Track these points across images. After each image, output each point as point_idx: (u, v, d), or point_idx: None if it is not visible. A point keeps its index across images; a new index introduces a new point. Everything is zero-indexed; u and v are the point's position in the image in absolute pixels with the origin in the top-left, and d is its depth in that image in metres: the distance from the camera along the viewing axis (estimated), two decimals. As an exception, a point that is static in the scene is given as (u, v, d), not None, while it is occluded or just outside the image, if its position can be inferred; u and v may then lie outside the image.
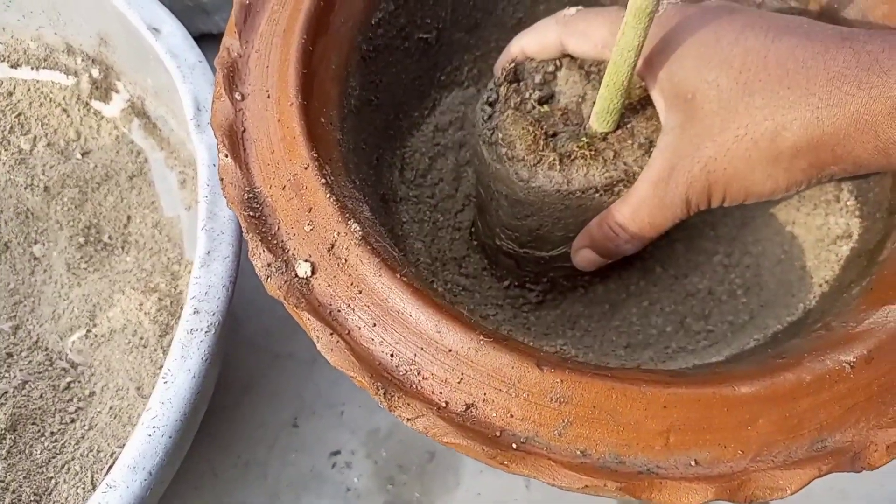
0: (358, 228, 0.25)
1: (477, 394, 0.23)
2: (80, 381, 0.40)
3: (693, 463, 0.22)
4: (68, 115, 0.47)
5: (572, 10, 0.32)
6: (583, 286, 0.39)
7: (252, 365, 0.46)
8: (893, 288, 0.25)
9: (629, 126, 0.31)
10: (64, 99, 0.47)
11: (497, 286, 0.39)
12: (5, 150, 0.46)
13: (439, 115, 0.41)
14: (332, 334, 0.23)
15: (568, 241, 0.34)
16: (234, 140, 0.27)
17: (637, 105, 0.32)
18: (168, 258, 0.44)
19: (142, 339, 0.40)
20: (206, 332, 0.29)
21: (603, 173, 0.30)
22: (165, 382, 0.28)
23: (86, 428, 0.38)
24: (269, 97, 0.27)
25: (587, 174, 0.30)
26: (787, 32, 0.26)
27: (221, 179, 0.26)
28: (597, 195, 0.31)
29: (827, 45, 0.25)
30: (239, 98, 0.28)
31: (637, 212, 0.30)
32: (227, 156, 0.26)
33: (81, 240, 0.45)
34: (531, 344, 0.35)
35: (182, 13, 0.52)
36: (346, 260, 0.24)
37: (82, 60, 0.45)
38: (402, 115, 0.39)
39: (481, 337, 0.23)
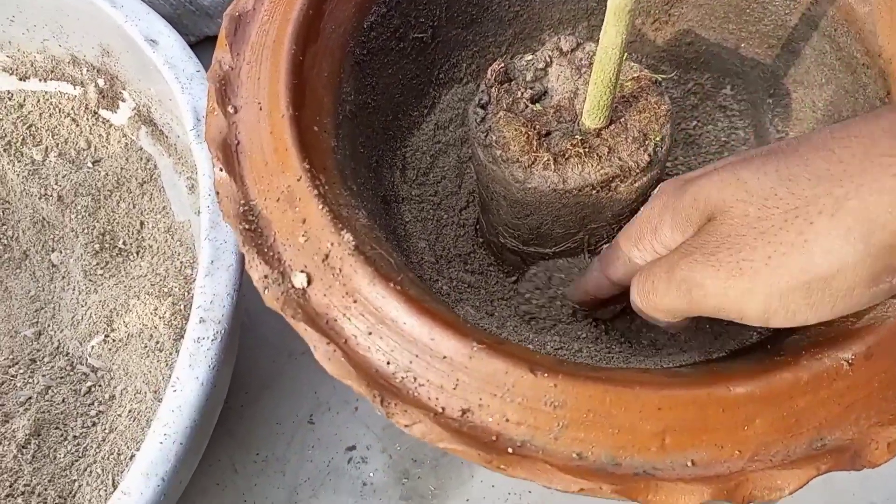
0: (351, 238, 0.25)
1: (472, 399, 0.23)
2: (100, 386, 0.41)
3: (690, 464, 0.22)
4: (78, 125, 0.47)
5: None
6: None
7: (269, 363, 0.46)
8: None
9: (622, 120, 0.31)
10: (73, 109, 0.47)
11: (504, 281, 0.39)
12: (18, 161, 0.47)
13: (439, 113, 0.41)
14: (328, 343, 0.24)
15: (569, 237, 0.34)
16: (228, 153, 0.27)
17: (629, 98, 0.32)
18: (181, 262, 0.44)
19: (157, 343, 0.41)
20: (212, 340, 0.29)
21: (598, 170, 0.30)
22: (175, 391, 0.29)
23: (106, 431, 0.39)
24: (261, 109, 0.28)
25: (582, 172, 0.30)
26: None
27: (217, 193, 0.26)
28: (593, 192, 0.31)
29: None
30: (232, 111, 0.28)
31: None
32: (221, 170, 0.27)
33: (97, 246, 0.46)
34: (534, 338, 0.35)
35: (185, 17, 0.52)
36: (340, 270, 0.25)
37: (87, 71, 0.46)
38: (401, 115, 0.39)
39: (475, 343, 0.23)
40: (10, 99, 0.48)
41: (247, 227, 0.26)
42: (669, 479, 0.22)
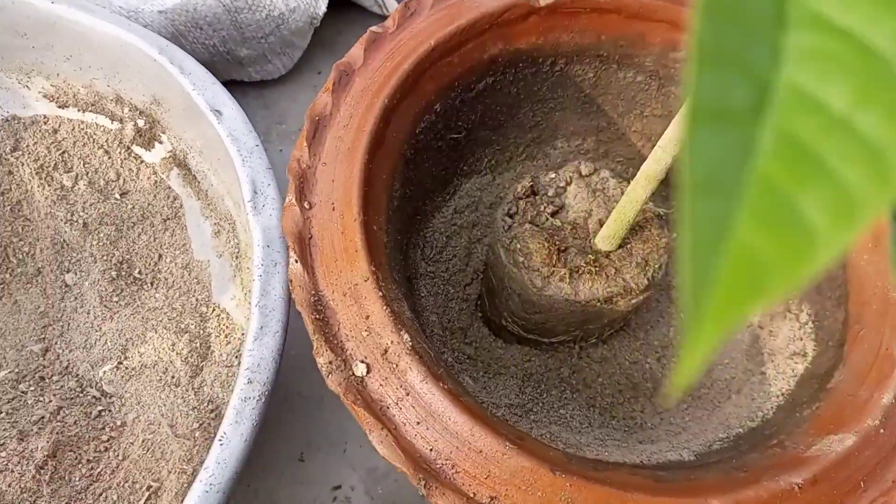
0: (408, 339, 0.29)
1: (500, 490, 0.28)
2: (110, 411, 0.44)
3: (668, 558, 0.28)
4: (109, 157, 0.50)
5: None
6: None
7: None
8: (836, 420, 0.31)
9: (629, 246, 0.37)
10: (107, 141, 0.50)
11: (500, 353, 0.44)
12: (48, 185, 0.49)
13: (458, 199, 0.46)
14: (382, 429, 0.28)
15: (567, 332, 0.40)
16: (302, 246, 0.31)
17: (636, 227, 0.37)
18: (196, 299, 0.47)
19: (173, 377, 0.44)
20: (257, 400, 0.33)
21: (605, 287, 0.36)
22: (221, 445, 0.32)
23: (119, 458, 0.42)
24: (333, 209, 0.32)
25: (592, 287, 0.36)
26: None
27: (291, 281, 0.31)
28: (598, 304, 0.36)
29: None
30: (307, 207, 0.32)
31: None
32: (296, 261, 0.31)
33: (114, 273, 0.48)
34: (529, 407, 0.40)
35: (220, 63, 0.55)
36: (397, 365, 0.29)
37: (129, 110, 0.48)
38: (427, 201, 0.43)
39: (507, 442, 0.28)
40: (45, 123, 0.50)
41: (317, 316, 0.30)
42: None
